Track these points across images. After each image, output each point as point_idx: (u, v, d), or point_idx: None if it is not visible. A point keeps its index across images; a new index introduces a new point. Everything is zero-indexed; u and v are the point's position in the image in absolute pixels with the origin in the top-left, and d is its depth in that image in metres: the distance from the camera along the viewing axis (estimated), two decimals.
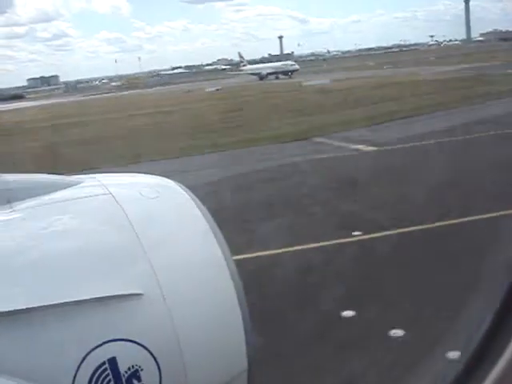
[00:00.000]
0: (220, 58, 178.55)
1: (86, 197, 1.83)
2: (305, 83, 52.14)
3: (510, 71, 38.80)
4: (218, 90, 59.14)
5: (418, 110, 23.64)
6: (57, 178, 1.96)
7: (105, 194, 1.82)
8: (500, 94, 25.69)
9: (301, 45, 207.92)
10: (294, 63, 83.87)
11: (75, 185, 1.91)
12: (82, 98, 76.42)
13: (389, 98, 28.58)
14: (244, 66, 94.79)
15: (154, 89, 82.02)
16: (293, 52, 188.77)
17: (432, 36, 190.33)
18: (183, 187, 2.00)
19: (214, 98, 48.00)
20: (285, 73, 77.51)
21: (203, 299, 1.69)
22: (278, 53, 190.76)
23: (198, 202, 1.92)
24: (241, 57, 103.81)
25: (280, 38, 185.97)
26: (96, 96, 79.66)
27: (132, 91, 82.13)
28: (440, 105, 24.37)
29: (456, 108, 23.40)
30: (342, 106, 28.02)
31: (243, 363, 1.73)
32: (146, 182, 2.11)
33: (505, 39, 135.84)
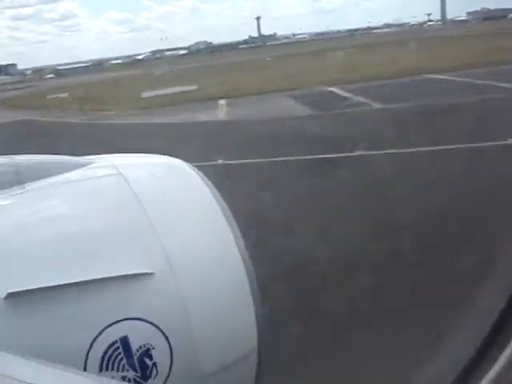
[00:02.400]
0: (198, 40, 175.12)
1: (96, 177, 1.82)
2: None
3: None
4: None
5: None
6: (67, 159, 1.93)
7: (115, 175, 1.79)
8: None
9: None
10: None
11: (86, 165, 1.88)
12: None
13: None
14: None
15: None
16: (275, 33, 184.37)
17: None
18: (192, 167, 1.96)
19: None
20: None
21: (213, 278, 1.66)
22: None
23: (207, 181, 1.89)
24: None
25: (257, 18, 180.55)
26: None
27: None
28: None
29: None
30: None
31: (253, 343, 1.70)
32: (156, 162, 2.09)
33: (488, 18, 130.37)
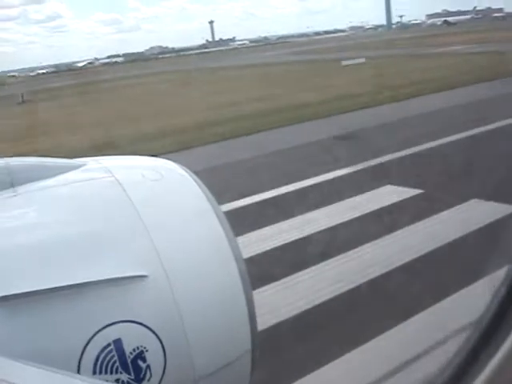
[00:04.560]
0: (154, 45, 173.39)
1: (88, 180, 1.81)
2: None
3: None
4: None
5: None
6: (59, 161, 1.91)
7: (107, 177, 1.79)
8: None
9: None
10: None
11: (78, 168, 1.88)
12: None
13: None
14: None
15: None
16: (234, 37, 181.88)
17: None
18: (186, 169, 1.97)
19: None
20: None
21: (206, 280, 1.67)
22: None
23: (201, 184, 1.89)
24: None
25: (211, 23, 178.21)
26: None
27: None
28: None
29: None
30: None
31: (247, 343, 1.71)
32: (149, 164, 2.07)
33: (448, 22, 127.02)
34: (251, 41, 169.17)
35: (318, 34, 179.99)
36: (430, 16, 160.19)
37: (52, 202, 1.70)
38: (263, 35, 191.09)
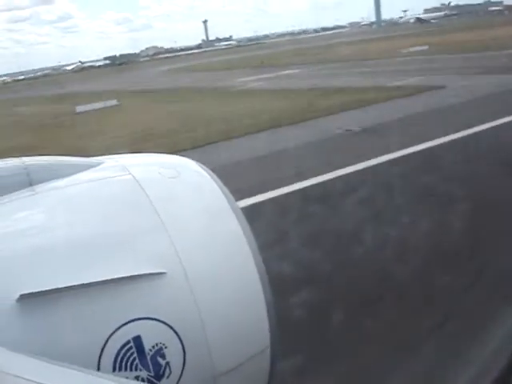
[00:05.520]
0: (149, 45, 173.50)
1: (106, 178, 1.81)
2: None
3: None
4: None
5: None
6: (76, 160, 1.93)
7: (125, 175, 1.79)
8: None
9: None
10: None
11: (95, 166, 1.86)
12: None
13: None
14: None
15: None
16: (231, 36, 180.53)
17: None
18: (202, 166, 1.95)
19: None
20: None
21: (225, 277, 1.67)
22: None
23: (218, 180, 1.88)
24: None
25: (204, 22, 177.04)
26: None
27: None
28: None
29: None
30: None
31: (266, 340, 1.71)
32: (165, 161, 2.05)
33: (421, 20, 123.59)
34: (248, 39, 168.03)
35: (316, 31, 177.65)
36: (427, 10, 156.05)
37: (70, 201, 1.69)
38: (263, 33, 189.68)
